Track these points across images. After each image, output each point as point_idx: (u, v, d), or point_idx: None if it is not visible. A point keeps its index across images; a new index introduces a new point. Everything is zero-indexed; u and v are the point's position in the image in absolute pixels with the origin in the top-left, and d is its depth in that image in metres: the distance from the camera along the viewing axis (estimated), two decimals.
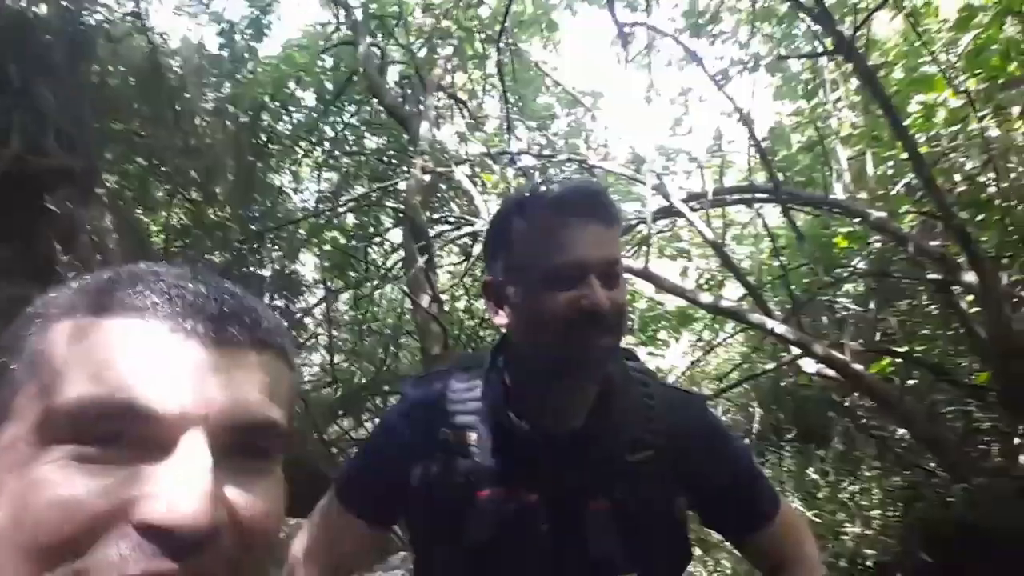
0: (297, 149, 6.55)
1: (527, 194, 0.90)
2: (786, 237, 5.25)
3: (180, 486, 0.31)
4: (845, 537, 3.88)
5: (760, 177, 4.36)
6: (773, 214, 5.17)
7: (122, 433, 0.32)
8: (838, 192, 4.63)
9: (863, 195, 4.44)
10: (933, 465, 3.75)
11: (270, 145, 6.21)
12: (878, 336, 4.46)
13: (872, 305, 4.49)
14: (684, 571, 0.98)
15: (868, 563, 3.68)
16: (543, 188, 0.89)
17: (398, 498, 0.92)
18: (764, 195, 4.45)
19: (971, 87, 3.33)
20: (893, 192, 4.12)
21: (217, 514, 0.32)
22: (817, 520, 4.15)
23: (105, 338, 0.34)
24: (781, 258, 4.29)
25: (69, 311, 0.36)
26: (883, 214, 3.78)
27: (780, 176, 5.63)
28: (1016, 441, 3.55)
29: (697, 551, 5.00)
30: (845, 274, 4.49)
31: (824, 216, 4.97)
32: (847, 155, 4.71)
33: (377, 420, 5.92)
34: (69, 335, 0.34)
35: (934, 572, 3.19)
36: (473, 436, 0.88)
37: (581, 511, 0.84)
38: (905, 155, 3.09)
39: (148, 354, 0.33)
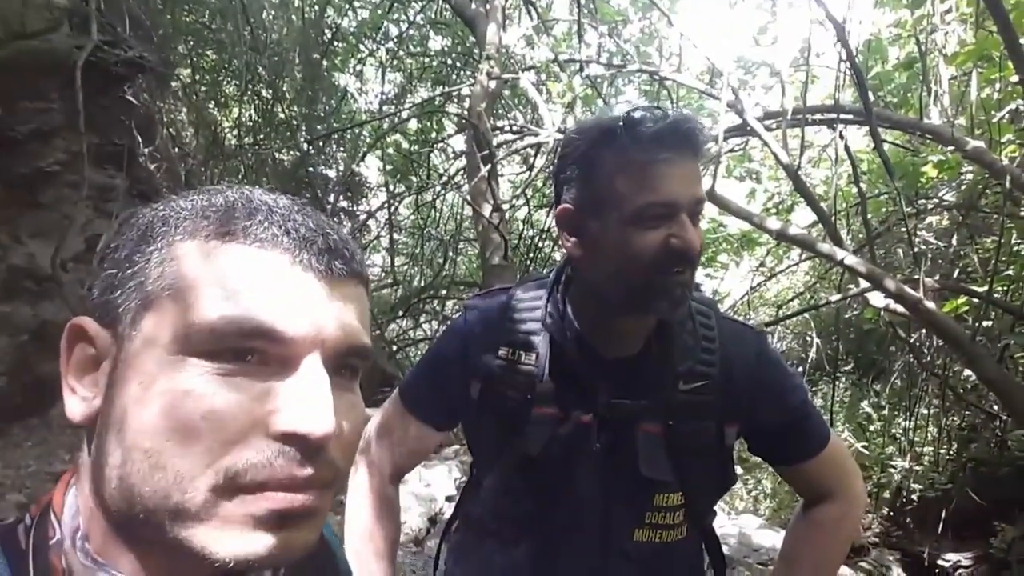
0: (362, 48, 6.45)
1: (618, 124, 0.84)
2: (868, 162, 4.93)
3: (310, 401, 0.36)
4: (893, 470, 3.89)
5: (847, 96, 4.05)
6: (856, 136, 4.84)
7: (254, 351, 0.36)
8: (934, 116, 4.26)
9: (961, 121, 4.08)
10: (996, 408, 3.66)
11: (335, 43, 6.13)
12: (957, 274, 4.23)
13: (955, 241, 4.23)
14: (726, 493, 1.02)
15: (913, 496, 3.70)
16: (634, 117, 0.84)
17: (457, 406, 0.97)
18: (850, 117, 4.15)
19: None
20: (995, 119, 3.76)
21: (336, 425, 0.36)
22: (865, 451, 4.17)
23: (237, 263, 0.37)
24: (860, 185, 4.05)
25: (194, 232, 0.38)
26: (981, 143, 3.48)
27: (872, 95, 5.22)
28: None
29: (739, 469, 5.12)
30: (930, 206, 4.22)
31: (914, 142, 4.62)
32: (949, 75, 4.28)
33: (435, 322, 6.15)
34: (201, 256, 0.37)
35: (979, 512, 3.19)
36: (533, 355, 0.91)
37: (633, 433, 0.87)
38: (1016, 78, 2.80)
39: (275, 282, 0.37)
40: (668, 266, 0.80)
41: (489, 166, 4.31)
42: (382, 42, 6.42)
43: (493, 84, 4.79)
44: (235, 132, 5.90)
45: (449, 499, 3.14)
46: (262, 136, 5.82)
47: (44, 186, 3.56)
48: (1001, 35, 2.67)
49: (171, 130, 5.37)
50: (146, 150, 4.64)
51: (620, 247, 0.82)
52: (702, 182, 0.84)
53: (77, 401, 0.39)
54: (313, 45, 5.80)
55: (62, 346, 0.40)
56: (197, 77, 5.90)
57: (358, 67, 6.55)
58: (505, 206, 5.05)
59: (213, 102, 6.04)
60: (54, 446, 3.09)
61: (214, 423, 0.35)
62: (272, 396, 0.36)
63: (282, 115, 5.88)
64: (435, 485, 3.33)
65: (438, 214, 5.94)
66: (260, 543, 0.35)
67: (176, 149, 5.29)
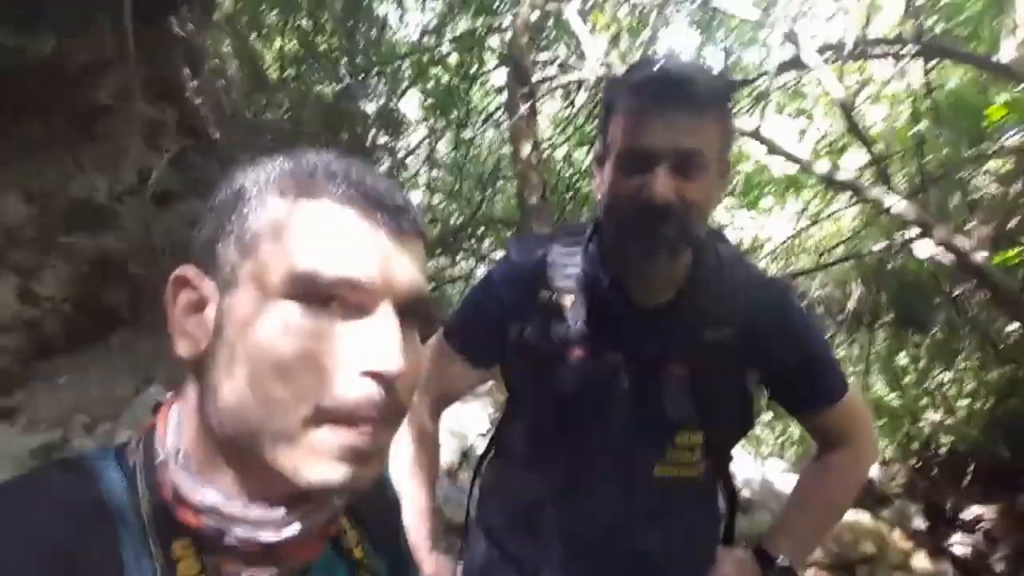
0: None
1: (630, 70, 0.91)
2: (933, 99, 4.65)
3: (385, 342, 0.42)
4: (923, 422, 3.88)
5: (914, 22, 3.77)
6: (921, 72, 4.54)
7: (337, 297, 0.42)
8: (1008, 50, 3.96)
9: None
10: None
11: None
12: (1015, 223, 4.04)
13: (1016, 188, 4.02)
14: (744, 436, 1.08)
15: (941, 449, 3.70)
16: (637, 67, 0.89)
17: (498, 346, 1.03)
18: (913, 49, 3.89)
19: None
20: None
21: (405, 363, 0.42)
22: (898, 403, 4.14)
23: (321, 220, 0.43)
24: (920, 125, 3.84)
25: (284, 191, 0.44)
26: None
27: (940, 26, 4.85)
28: None
29: (768, 415, 5.17)
30: (991, 150, 3.99)
31: (984, 79, 4.32)
32: None
33: (472, 260, 6.23)
34: (290, 213, 0.43)
35: (1007, 467, 3.18)
36: (569, 300, 0.96)
37: (661, 375, 0.93)
38: None
39: (354, 238, 0.43)
40: (635, 214, 0.84)
41: (530, 103, 4.24)
42: None
43: (535, 15, 4.63)
44: (277, 64, 5.90)
45: (481, 435, 3.29)
46: (304, 68, 5.80)
47: (100, 119, 3.67)
48: None
49: (216, 62, 5.40)
50: (193, 84, 4.70)
51: (607, 192, 0.88)
52: (697, 135, 0.83)
53: (186, 340, 0.45)
54: None
55: (167, 293, 0.46)
56: (239, 6, 5.86)
57: None
58: (545, 144, 4.99)
59: (255, 33, 6.02)
60: (116, 370, 3.31)
61: (307, 360, 0.41)
62: (354, 337, 0.42)
63: (323, 47, 5.83)
64: (468, 420, 3.48)
65: (477, 151, 5.90)
66: (339, 472, 0.42)
67: (221, 82, 5.34)
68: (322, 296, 0.42)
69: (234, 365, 0.42)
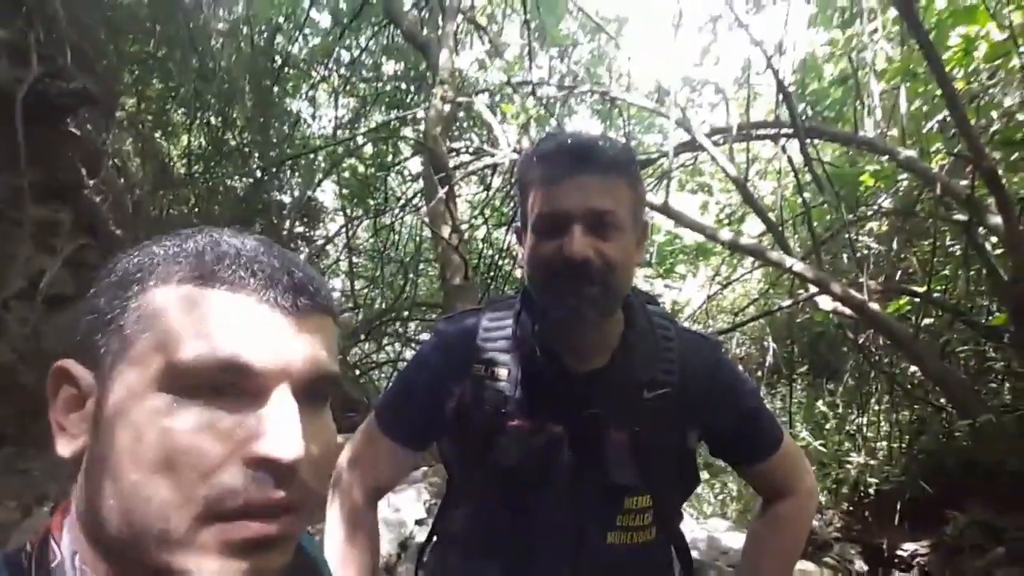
0: (313, 73, 6.43)
1: (539, 144, 0.96)
2: (812, 175, 5.16)
3: (280, 428, 0.39)
4: (849, 465, 4.04)
5: (787, 112, 4.25)
6: (799, 149, 5.06)
7: (227, 385, 0.39)
8: (868, 128, 4.50)
9: (894, 132, 4.32)
10: (942, 401, 3.84)
11: (286, 69, 6.10)
12: (898, 275, 4.45)
13: (895, 244, 4.46)
14: (691, 494, 1.08)
15: (870, 490, 3.85)
16: (547, 141, 0.94)
17: (432, 426, 0.99)
18: (789, 131, 4.35)
19: (1016, 20, 3.17)
20: (925, 130, 4.01)
21: (304, 449, 0.39)
22: (823, 449, 4.31)
23: (208, 306, 0.40)
24: (804, 195, 4.24)
25: (167, 278, 0.41)
26: (912, 153, 3.69)
27: (810, 110, 5.47)
28: None
29: (705, 475, 5.23)
30: (869, 212, 4.44)
31: (852, 153, 4.86)
32: (880, 90, 4.54)
33: (397, 345, 6.11)
34: (174, 300, 0.40)
35: (932, 501, 3.33)
36: (503, 371, 0.95)
37: (602, 441, 0.92)
38: (940, 91, 2.99)
39: (244, 321, 0.40)
40: (556, 274, 0.86)
41: (446, 188, 4.34)
42: (334, 68, 6.42)
43: (447, 107, 4.84)
44: (184, 161, 5.79)
45: (419, 522, 3.10)
46: (213, 164, 5.72)
47: None
48: (923, 52, 2.86)
49: (117, 161, 5.23)
50: (91, 183, 4.51)
51: (529, 258, 0.90)
52: (606, 196, 0.87)
53: (66, 438, 0.42)
54: (263, 72, 5.76)
55: (49, 387, 0.43)
56: (143, 106, 5.77)
57: (310, 93, 6.52)
58: (464, 226, 5.08)
59: (160, 131, 5.91)
60: (1, 494, 2.93)
61: (193, 455, 0.37)
62: (245, 426, 0.39)
63: (233, 142, 5.80)
64: (404, 509, 3.29)
65: (397, 236, 5.93)
66: (235, 570, 0.38)
67: (123, 180, 5.15)
68: (210, 386, 0.39)
69: (113, 465, 0.39)
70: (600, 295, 0.86)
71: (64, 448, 0.42)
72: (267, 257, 0.43)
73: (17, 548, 0.44)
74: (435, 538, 1.10)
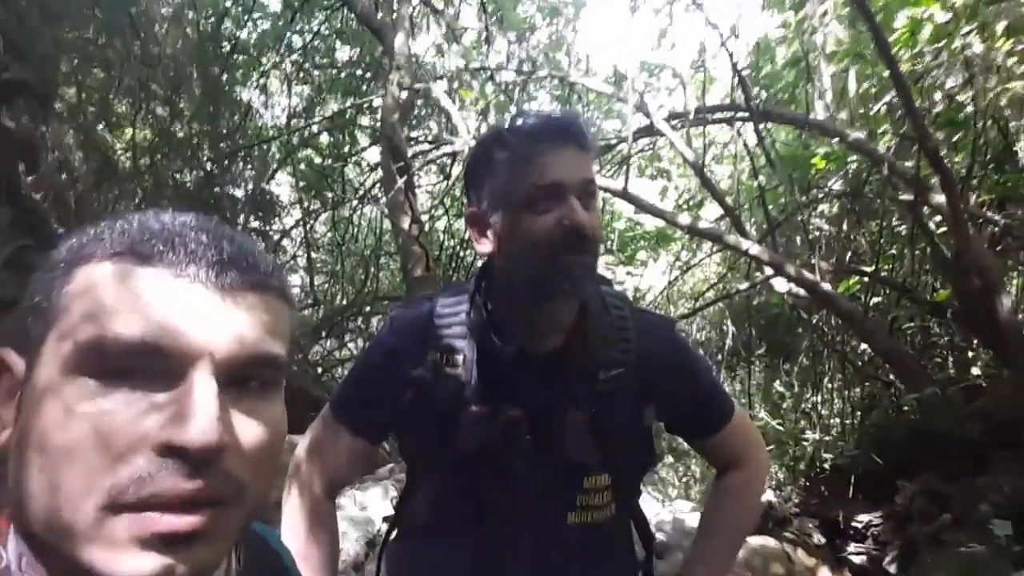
0: (264, 60, 6.24)
1: (506, 126, 0.95)
2: (766, 157, 5.26)
3: (192, 412, 0.36)
4: (806, 443, 4.17)
5: (743, 96, 4.31)
6: (754, 133, 5.15)
7: (143, 366, 0.36)
8: (819, 111, 4.60)
9: (844, 114, 4.43)
10: (892, 377, 3.98)
11: (235, 56, 5.90)
12: (848, 256, 4.58)
13: (845, 226, 4.58)
14: (649, 471, 1.11)
15: (825, 465, 3.98)
16: (520, 120, 0.94)
17: (388, 415, 0.98)
18: (744, 115, 4.41)
19: (959, 1, 3.26)
20: (873, 112, 4.11)
21: (223, 435, 0.36)
22: (781, 428, 4.43)
23: (122, 283, 0.38)
24: (759, 179, 4.31)
25: (88, 257, 0.39)
26: (861, 134, 3.79)
27: (764, 93, 5.56)
28: (969, 354, 3.77)
29: (669, 458, 5.34)
30: (820, 195, 4.55)
31: (805, 135, 4.97)
32: (830, 72, 4.64)
33: (360, 340, 6.03)
34: (91, 279, 0.38)
35: (884, 473, 3.46)
36: (459, 357, 0.94)
37: (560, 422, 0.92)
38: (887, 72, 3.07)
39: (159, 298, 0.37)
40: (563, 247, 0.86)
41: (405, 178, 4.27)
42: (286, 54, 6.23)
43: (405, 94, 4.76)
44: (129, 154, 5.56)
45: (387, 520, 3.08)
46: (160, 157, 5.51)
47: None
48: (871, 35, 2.92)
49: (57, 155, 4.99)
50: (30, 179, 4.30)
51: (519, 235, 0.88)
52: (589, 169, 0.89)
53: None
54: (211, 59, 5.56)
55: None
56: (83, 97, 5.51)
57: (261, 81, 6.32)
58: (424, 217, 5.02)
59: (103, 123, 5.66)
60: None
61: (98, 441, 0.35)
62: (159, 410, 0.36)
63: (181, 134, 5.59)
64: (371, 507, 3.25)
65: (356, 229, 5.83)
66: (147, 565, 0.35)
67: (64, 175, 4.93)
68: (120, 368, 0.36)
69: (28, 454, 0.37)
70: (593, 264, 0.88)
71: None
72: (194, 232, 0.40)
73: None
74: (396, 530, 1.08)
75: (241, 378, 0.39)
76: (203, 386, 0.37)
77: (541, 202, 0.86)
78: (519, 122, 0.93)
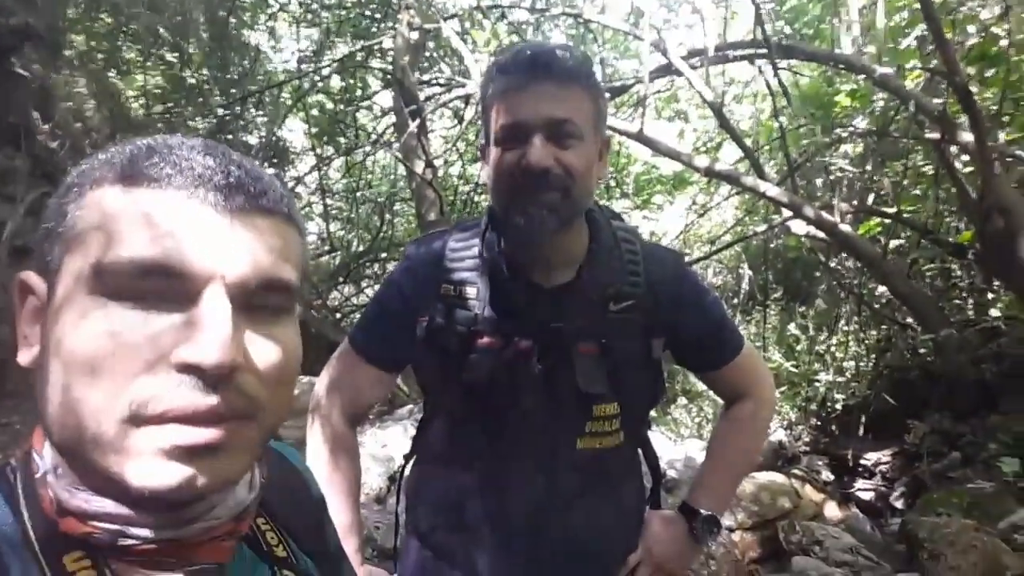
0: (271, 1, 6.09)
1: (499, 57, 0.93)
2: (784, 93, 5.11)
3: (206, 332, 0.37)
4: (818, 384, 4.21)
5: (767, 30, 4.14)
6: (776, 72, 4.97)
7: (155, 287, 0.38)
8: (846, 46, 4.43)
9: (871, 49, 4.25)
10: (909, 320, 3.96)
11: None
12: (871, 197, 4.49)
13: (868, 166, 4.47)
14: (658, 402, 1.12)
15: (837, 406, 4.02)
16: (503, 53, 0.93)
17: (405, 346, 1.00)
18: (765, 51, 4.25)
19: None
20: (902, 47, 3.95)
21: (236, 354, 0.37)
22: (795, 369, 4.46)
23: (135, 205, 0.38)
24: (780, 119, 4.19)
25: (99, 180, 0.40)
26: (888, 70, 3.65)
27: (788, 28, 5.34)
28: (989, 296, 3.73)
29: (683, 400, 5.41)
30: (844, 134, 4.42)
31: (830, 72, 4.79)
32: (859, 5, 4.44)
33: (377, 286, 6.09)
34: (104, 202, 0.39)
35: (895, 413, 3.49)
36: (472, 290, 0.96)
37: (570, 353, 0.94)
38: (917, 5, 2.93)
39: (169, 221, 0.38)
40: (518, 185, 0.86)
41: (418, 121, 4.22)
42: None
43: (415, 35, 4.64)
44: (141, 101, 5.53)
45: (406, 456, 3.20)
46: (171, 104, 5.48)
47: None
48: None
49: (71, 104, 4.98)
50: (45, 127, 4.31)
51: (492, 172, 0.90)
52: (570, 105, 0.87)
53: (26, 347, 0.42)
54: (218, 2, 5.44)
55: (15, 300, 0.43)
56: (93, 44, 5.46)
57: (269, 24, 6.20)
58: (438, 161, 4.98)
59: (114, 70, 5.62)
60: None
61: (121, 356, 0.36)
62: (173, 328, 0.38)
63: (192, 80, 5.54)
64: (391, 445, 3.37)
65: (370, 175, 5.80)
66: (171, 475, 0.37)
67: (79, 124, 4.93)
68: (137, 288, 0.37)
69: (53, 370, 0.38)
70: (560, 202, 0.86)
71: (23, 357, 0.42)
72: (202, 156, 0.41)
73: (2, 463, 0.44)
74: (415, 456, 1.13)
75: (254, 303, 0.40)
76: (216, 307, 0.38)
77: (508, 140, 0.86)
78: (504, 56, 0.92)
